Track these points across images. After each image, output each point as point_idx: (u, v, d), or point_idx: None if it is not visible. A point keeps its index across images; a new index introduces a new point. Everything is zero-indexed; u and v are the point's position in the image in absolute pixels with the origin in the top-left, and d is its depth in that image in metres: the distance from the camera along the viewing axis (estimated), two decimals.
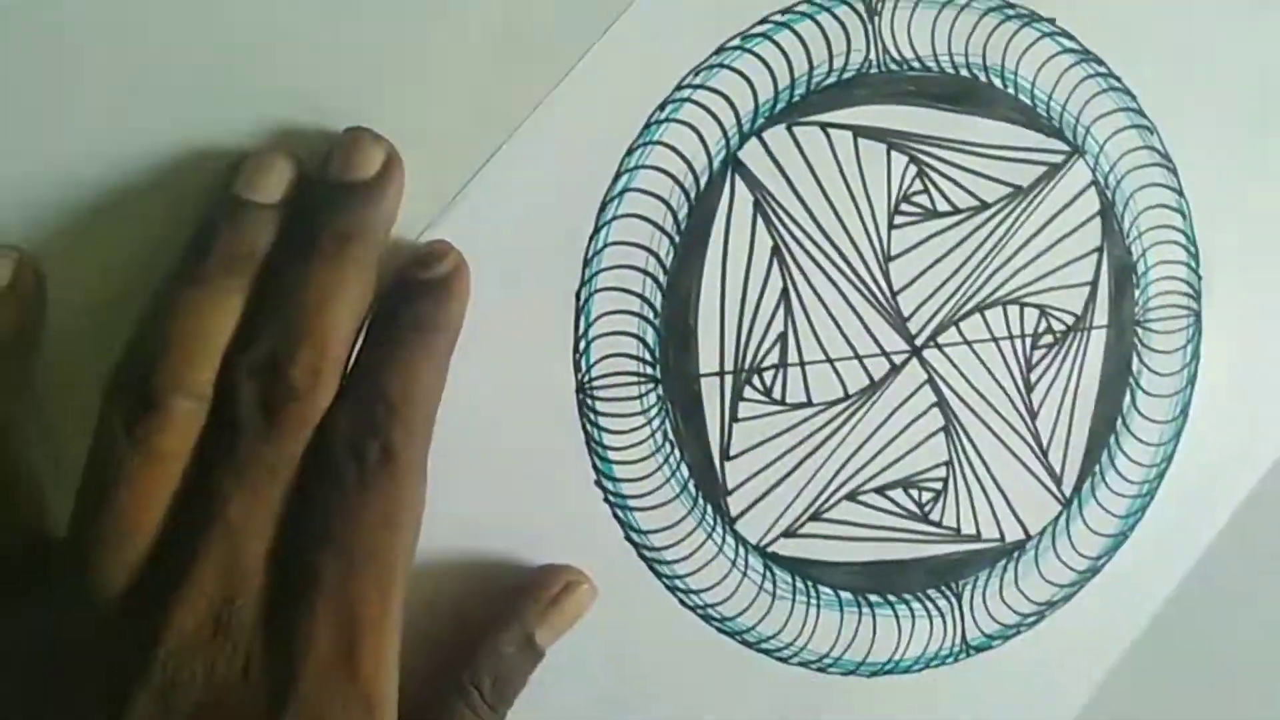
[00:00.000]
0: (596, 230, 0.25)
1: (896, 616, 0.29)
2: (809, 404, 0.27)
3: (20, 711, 0.18)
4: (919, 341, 0.28)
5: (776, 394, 0.27)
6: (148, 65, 0.22)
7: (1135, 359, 0.29)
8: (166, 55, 0.22)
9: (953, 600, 0.29)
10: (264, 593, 0.19)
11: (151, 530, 0.19)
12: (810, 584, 0.28)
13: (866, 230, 0.27)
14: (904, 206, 0.27)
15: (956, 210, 0.27)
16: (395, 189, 0.22)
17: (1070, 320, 0.29)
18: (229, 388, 0.19)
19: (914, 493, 0.28)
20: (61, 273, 0.22)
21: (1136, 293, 0.29)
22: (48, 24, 0.21)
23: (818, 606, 0.28)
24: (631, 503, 0.26)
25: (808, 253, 0.27)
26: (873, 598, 0.28)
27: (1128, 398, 0.29)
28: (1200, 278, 0.30)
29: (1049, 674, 0.31)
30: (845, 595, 0.28)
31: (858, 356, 0.27)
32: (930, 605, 0.29)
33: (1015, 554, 0.30)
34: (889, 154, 0.27)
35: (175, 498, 0.19)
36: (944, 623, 0.29)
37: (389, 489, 0.20)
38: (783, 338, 0.27)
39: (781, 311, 0.27)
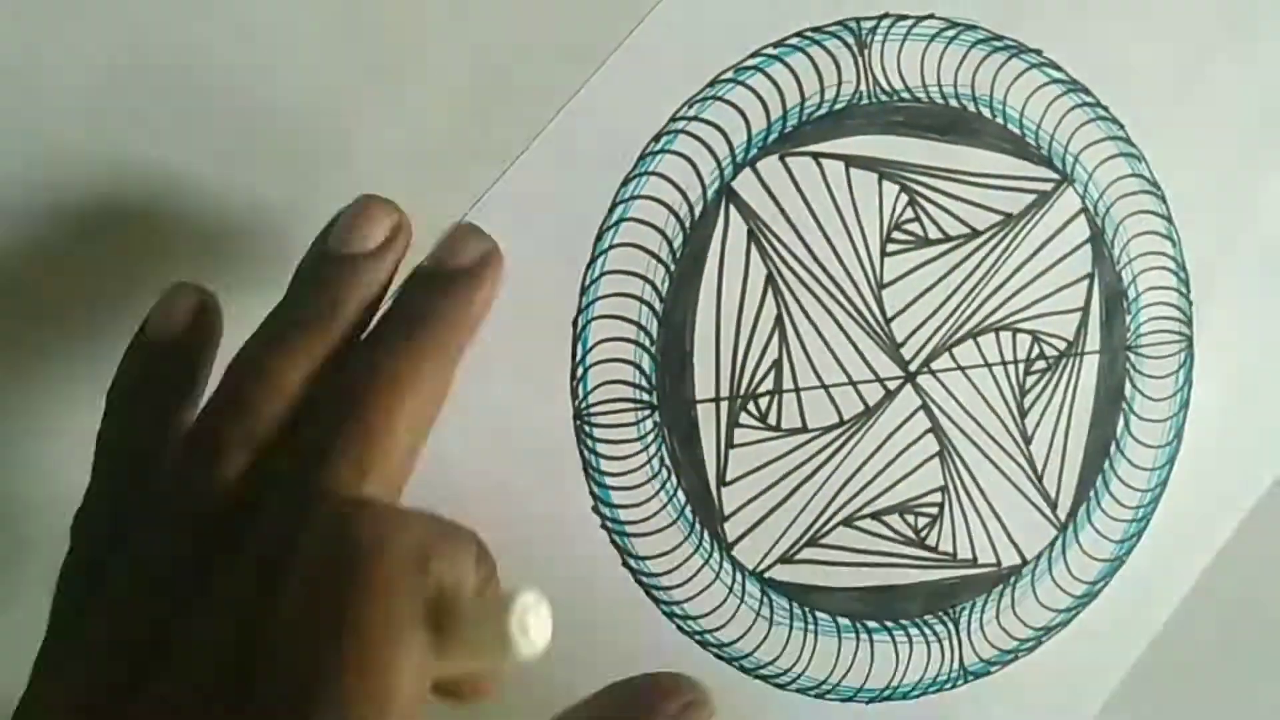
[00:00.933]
0: (593, 259, 0.26)
1: (894, 642, 0.29)
2: (804, 429, 0.27)
3: None
4: (913, 367, 0.28)
5: (772, 420, 0.27)
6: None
7: (1128, 384, 0.30)
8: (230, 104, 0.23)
9: (950, 626, 0.29)
10: (234, 668, 0.16)
11: (174, 570, 0.17)
12: (807, 610, 0.28)
13: (859, 258, 0.27)
14: (896, 234, 0.28)
15: (948, 238, 0.28)
16: (489, 285, 0.20)
17: (1062, 345, 0.29)
18: (273, 465, 0.18)
19: (910, 518, 0.29)
20: None
21: (1128, 318, 0.30)
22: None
23: (815, 632, 0.28)
24: (629, 528, 0.26)
25: (801, 281, 0.27)
26: (870, 624, 0.29)
27: (1121, 422, 0.30)
28: (1191, 303, 0.30)
29: (1049, 699, 0.31)
30: (843, 621, 0.28)
31: (852, 383, 0.28)
32: (928, 631, 0.29)
33: (1012, 579, 0.30)
34: (880, 183, 0.27)
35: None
36: (942, 648, 0.29)
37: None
38: (777, 364, 0.27)
39: (776, 338, 0.27)
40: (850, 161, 0.27)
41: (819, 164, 0.27)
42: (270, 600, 0.16)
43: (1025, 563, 0.30)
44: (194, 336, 0.20)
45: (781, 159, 0.27)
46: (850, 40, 0.27)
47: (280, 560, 0.16)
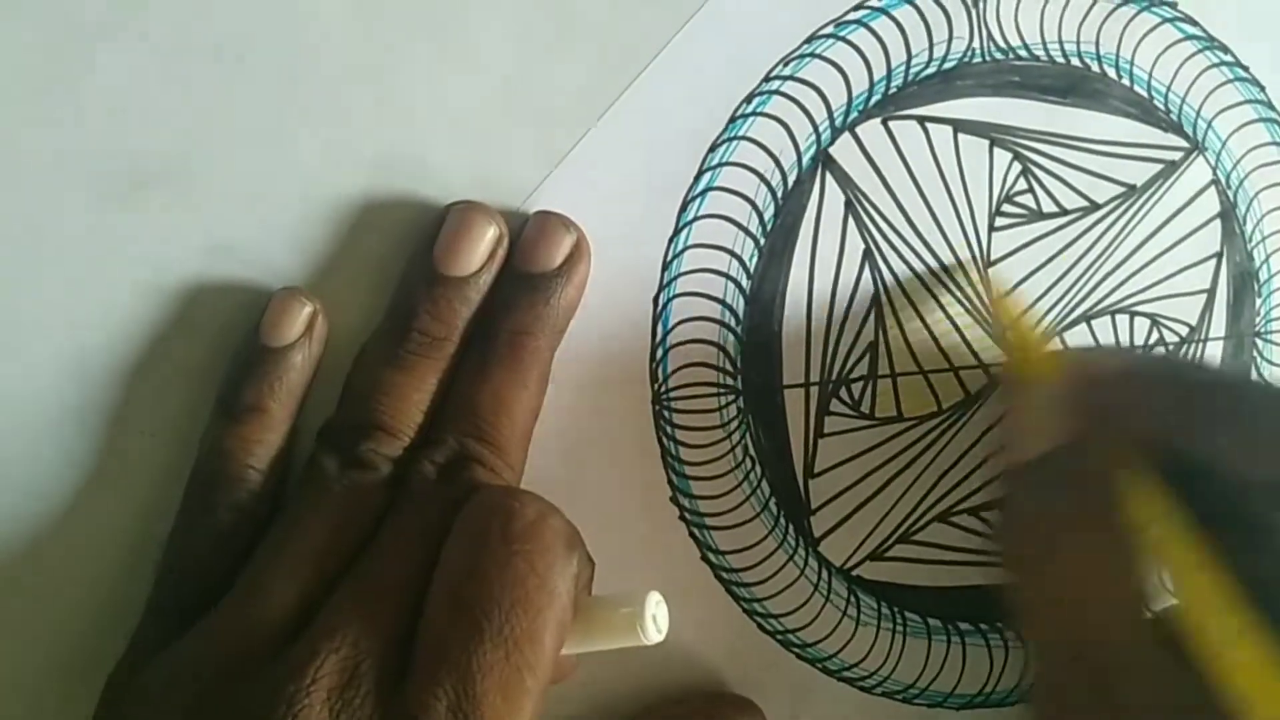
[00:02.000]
0: (676, 232, 0.24)
1: (988, 646, 0.27)
2: (899, 418, 0.25)
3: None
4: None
5: (865, 407, 0.25)
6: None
7: (1254, 374, 0.27)
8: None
9: None
10: (394, 652, 0.18)
11: (330, 574, 0.19)
12: (897, 610, 0.26)
13: (965, 233, 0.25)
14: (1006, 207, 0.25)
15: (1064, 211, 0.25)
16: (580, 279, 0.22)
17: (1184, 331, 0.27)
18: (416, 465, 0.20)
19: None
20: None
21: (1258, 302, 0.27)
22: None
23: (904, 634, 0.26)
24: (709, 520, 0.25)
25: (901, 256, 0.25)
26: (963, 626, 0.27)
27: None
28: None
29: None
30: (934, 622, 0.26)
31: (953, 369, 0.26)
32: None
33: None
34: (991, 150, 0.25)
35: (349, 554, 0.20)
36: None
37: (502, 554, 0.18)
38: (873, 347, 0.25)
39: (872, 319, 0.25)
40: (959, 126, 0.25)
41: (925, 128, 0.24)
42: (437, 560, 0.18)
43: None
44: (306, 342, 0.21)
45: (884, 123, 0.24)
46: None
47: (445, 533, 0.19)
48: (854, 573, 0.26)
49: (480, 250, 0.21)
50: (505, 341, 0.21)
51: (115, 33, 0.20)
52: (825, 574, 0.26)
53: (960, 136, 0.25)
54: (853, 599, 0.26)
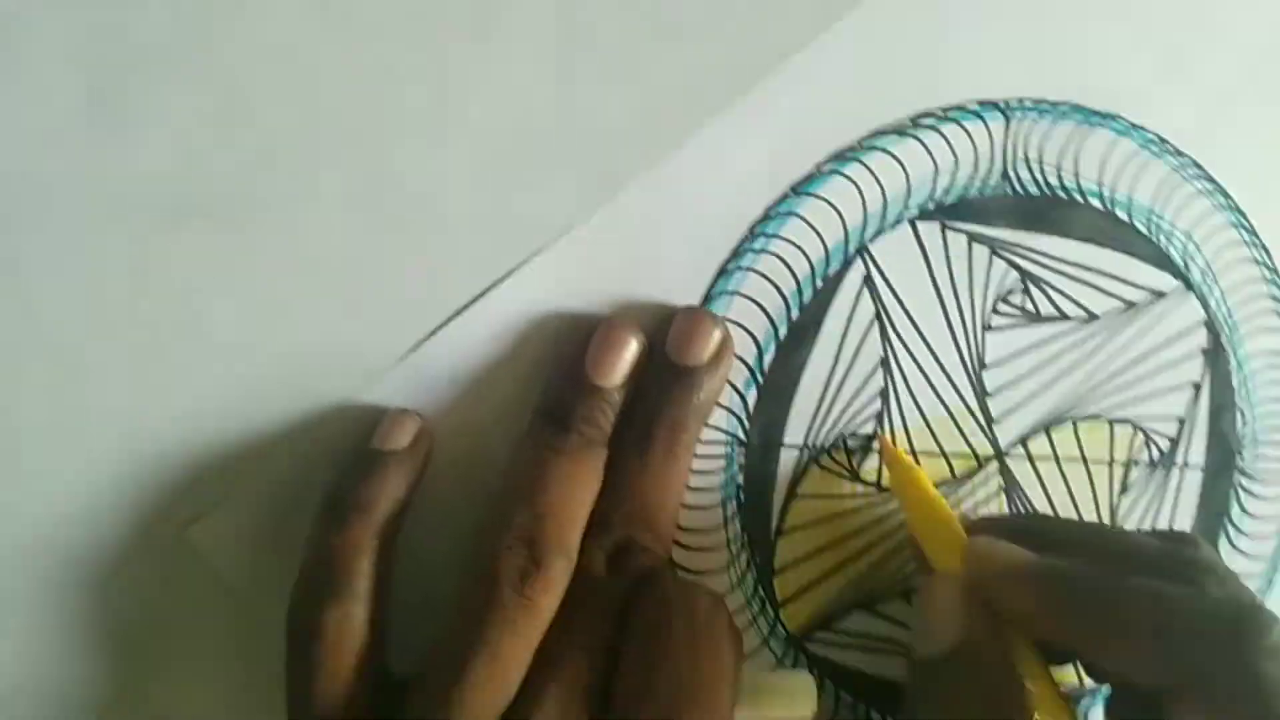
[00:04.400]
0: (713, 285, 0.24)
1: None
2: (881, 488, 0.26)
3: None
4: (1003, 445, 0.26)
5: (856, 468, 0.25)
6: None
7: (1235, 505, 0.28)
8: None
9: None
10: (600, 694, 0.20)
11: (518, 680, 0.20)
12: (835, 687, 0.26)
13: (965, 331, 0.26)
14: (1002, 307, 0.26)
15: (1063, 317, 0.26)
16: (725, 372, 0.23)
17: (1166, 445, 0.27)
18: (586, 555, 0.21)
19: None
20: None
21: (1241, 431, 0.28)
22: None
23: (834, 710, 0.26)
24: (686, 563, 0.25)
25: (909, 351, 0.25)
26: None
27: (1223, 541, 0.28)
28: None
29: None
30: (864, 708, 0.26)
31: (943, 454, 0.26)
32: None
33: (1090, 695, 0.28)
34: (990, 259, 0.26)
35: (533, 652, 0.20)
36: None
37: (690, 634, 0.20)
38: (879, 419, 0.26)
39: (878, 401, 0.25)
40: (974, 237, 0.26)
41: (944, 235, 0.25)
42: (613, 644, 0.20)
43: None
44: (414, 451, 0.22)
45: (912, 224, 0.25)
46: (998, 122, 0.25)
47: (620, 619, 0.20)
48: (806, 645, 0.26)
49: (622, 364, 0.23)
50: (664, 431, 0.22)
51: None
52: (783, 637, 0.25)
53: (974, 246, 0.26)
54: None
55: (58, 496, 0.22)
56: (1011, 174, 0.26)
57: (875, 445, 0.26)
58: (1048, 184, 0.26)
